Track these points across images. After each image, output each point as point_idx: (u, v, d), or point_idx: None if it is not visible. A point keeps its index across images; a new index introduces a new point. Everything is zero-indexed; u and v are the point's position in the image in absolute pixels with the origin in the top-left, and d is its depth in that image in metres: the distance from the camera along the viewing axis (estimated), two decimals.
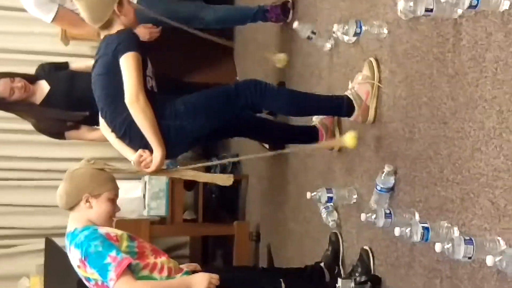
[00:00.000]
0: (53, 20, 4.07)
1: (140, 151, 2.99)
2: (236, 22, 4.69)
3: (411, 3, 2.44)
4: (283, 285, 3.05)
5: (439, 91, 2.52)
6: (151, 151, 2.98)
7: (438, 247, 2.19)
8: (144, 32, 4.09)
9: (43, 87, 3.90)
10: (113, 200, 2.83)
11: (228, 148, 5.58)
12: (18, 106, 3.87)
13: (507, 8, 2.14)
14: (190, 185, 5.28)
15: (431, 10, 2.40)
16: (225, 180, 3.22)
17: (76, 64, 4.11)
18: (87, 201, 2.78)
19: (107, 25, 3.04)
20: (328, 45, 3.55)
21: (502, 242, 2.13)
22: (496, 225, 2.18)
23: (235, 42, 5.64)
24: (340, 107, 3.06)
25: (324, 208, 3.43)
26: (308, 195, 3.26)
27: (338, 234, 3.40)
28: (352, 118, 3.06)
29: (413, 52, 2.72)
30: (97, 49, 3.15)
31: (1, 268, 5.64)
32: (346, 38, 3.14)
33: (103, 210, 2.79)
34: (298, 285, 3.27)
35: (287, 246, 4.27)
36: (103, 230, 2.73)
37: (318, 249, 3.58)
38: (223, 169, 5.48)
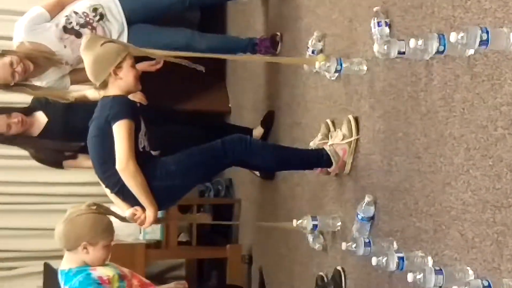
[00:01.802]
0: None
1: (133, 209, 3.08)
2: (227, 52, 4.84)
3: (385, 46, 2.59)
4: None
5: (413, 127, 2.67)
6: (143, 207, 3.08)
7: (410, 277, 2.34)
8: (147, 68, 4.15)
9: (40, 119, 3.99)
10: (108, 246, 2.95)
11: (221, 173, 5.71)
12: (16, 140, 3.96)
13: (472, 53, 2.29)
14: (184, 209, 5.41)
15: (404, 53, 2.56)
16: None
17: (72, 94, 4.20)
18: (84, 247, 2.89)
19: (103, 85, 3.08)
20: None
21: (470, 272, 2.27)
22: (465, 256, 2.32)
23: (227, 69, 5.79)
24: (319, 161, 3.24)
25: (310, 234, 3.55)
26: (294, 222, 3.39)
27: (342, 273, 3.33)
28: (330, 170, 3.25)
29: (389, 89, 2.87)
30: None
31: None
32: (328, 74, 3.29)
33: (98, 257, 2.93)
34: None
35: (278, 269, 4.39)
36: (96, 273, 2.89)
37: (307, 274, 3.71)
38: (217, 193, 5.62)
